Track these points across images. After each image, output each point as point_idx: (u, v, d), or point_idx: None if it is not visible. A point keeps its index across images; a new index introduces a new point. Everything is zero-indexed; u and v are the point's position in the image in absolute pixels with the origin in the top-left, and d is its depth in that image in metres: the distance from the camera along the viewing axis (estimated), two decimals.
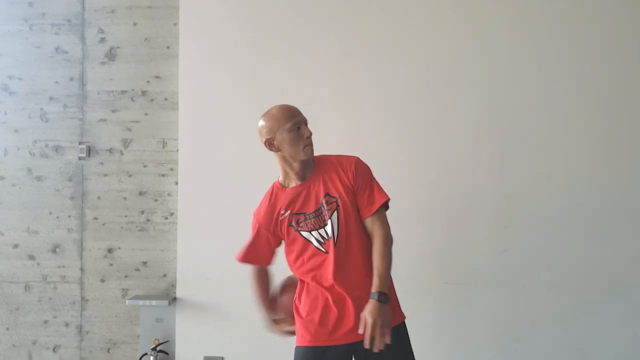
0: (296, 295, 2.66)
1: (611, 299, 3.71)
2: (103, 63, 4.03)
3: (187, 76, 3.87)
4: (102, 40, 4.03)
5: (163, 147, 4.01)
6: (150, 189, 4.02)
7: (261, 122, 2.58)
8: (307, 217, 2.58)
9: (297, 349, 2.61)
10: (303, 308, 2.61)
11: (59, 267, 4.05)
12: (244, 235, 2.70)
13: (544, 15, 3.79)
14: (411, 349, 2.60)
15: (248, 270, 2.75)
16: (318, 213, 2.57)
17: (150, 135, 4.01)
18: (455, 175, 3.77)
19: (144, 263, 4.01)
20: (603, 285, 3.72)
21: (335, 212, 2.55)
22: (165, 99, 4.00)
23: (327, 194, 2.57)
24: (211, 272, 3.80)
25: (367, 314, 2.40)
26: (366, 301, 2.44)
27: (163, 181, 4.01)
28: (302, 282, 2.64)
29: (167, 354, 3.84)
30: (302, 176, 2.61)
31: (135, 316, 3.97)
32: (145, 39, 4.02)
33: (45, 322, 4.05)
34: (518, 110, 3.77)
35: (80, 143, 4.04)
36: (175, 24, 3.96)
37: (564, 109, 3.75)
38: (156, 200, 4.01)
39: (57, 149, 4.06)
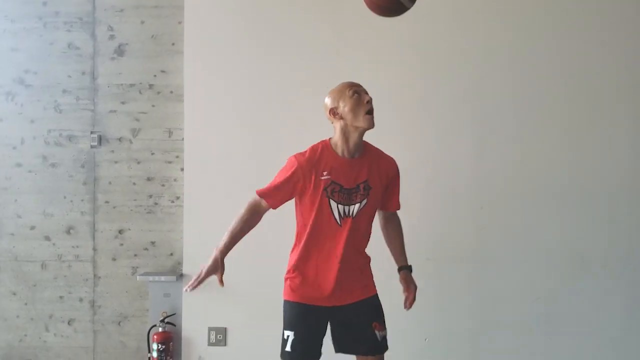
0: (291, 251, 2.88)
1: (574, 271, 3.99)
2: (113, 58, 4.24)
3: (191, 70, 4.07)
4: (112, 37, 4.24)
5: (169, 136, 4.23)
6: (158, 174, 4.24)
7: (326, 98, 2.83)
8: (342, 190, 2.76)
9: (286, 302, 2.86)
10: (297, 265, 2.82)
11: (73, 247, 4.28)
12: None
13: (517, 10, 4.00)
14: (383, 314, 2.92)
15: (247, 203, 2.80)
16: (351, 192, 2.77)
17: (157, 125, 4.24)
18: (436, 162, 4.01)
19: (152, 243, 4.25)
20: (567, 259, 3.99)
21: (366, 199, 2.79)
22: (171, 92, 4.22)
23: (366, 181, 2.78)
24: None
25: (411, 282, 2.90)
26: (346, 274, 2.78)
27: (169, 168, 4.24)
28: (300, 241, 2.84)
29: (174, 325, 4.08)
30: (352, 153, 2.79)
31: (145, 291, 4.21)
32: (152, 36, 4.23)
33: (61, 297, 4.29)
34: (491, 102, 4.01)
35: (92, 132, 4.25)
36: (179, 23, 4.15)
37: (533, 101, 4.00)
38: (163, 185, 4.25)
39: (70, 138, 4.28)
